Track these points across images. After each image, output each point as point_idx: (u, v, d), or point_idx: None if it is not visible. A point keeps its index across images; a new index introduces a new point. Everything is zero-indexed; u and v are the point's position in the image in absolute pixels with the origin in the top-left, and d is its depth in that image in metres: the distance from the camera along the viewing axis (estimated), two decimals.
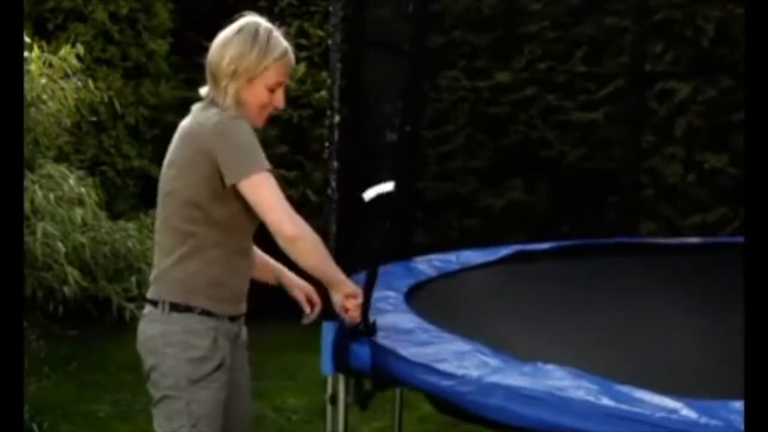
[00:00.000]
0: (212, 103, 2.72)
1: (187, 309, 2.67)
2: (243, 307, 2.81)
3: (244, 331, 2.87)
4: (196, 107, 2.77)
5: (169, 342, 2.67)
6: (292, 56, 2.76)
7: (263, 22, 2.74)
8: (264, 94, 2.72)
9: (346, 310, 2.74)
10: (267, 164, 2.65)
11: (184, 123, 2.76)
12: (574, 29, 6.71)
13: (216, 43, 2.73)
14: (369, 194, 2.86)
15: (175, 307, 2.68)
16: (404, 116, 3.34)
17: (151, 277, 2.80)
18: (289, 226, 2.62)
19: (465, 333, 2.83)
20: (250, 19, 2.74)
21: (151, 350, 2.70)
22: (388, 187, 2.87)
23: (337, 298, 2.75)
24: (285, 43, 2.74)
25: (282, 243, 2.62)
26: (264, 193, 2.63)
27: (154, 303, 2.72)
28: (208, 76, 2.73)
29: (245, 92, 2.69)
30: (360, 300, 2.74)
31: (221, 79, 2.68)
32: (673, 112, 6.49)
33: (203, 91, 2.78)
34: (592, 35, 6.67)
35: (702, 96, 6.44)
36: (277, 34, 2.74)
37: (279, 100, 2.76)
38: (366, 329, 2.79)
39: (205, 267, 2.68)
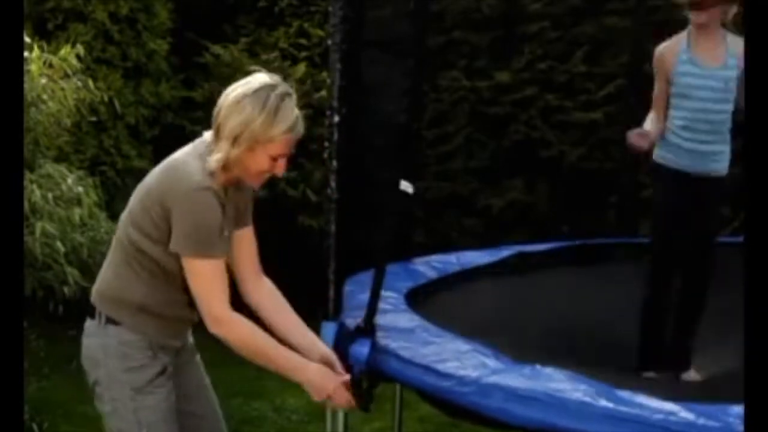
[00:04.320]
0: (210, 152, 2.63)
1: (119, 323, 2.69)
2: (176, 342, 2.79)
3: (189, 339, 2.87)
4: (200, 146, 2.67)
5: (108, 354, 2.69)
6: (300, 128, 2.65)
7: (279, 88, 2.62)
8: (265, 162, 2.64)
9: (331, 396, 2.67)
10: (216, 251, 2.60)
11: (179, 156, 2.67)
12: (574, 29, 6.70)
13: (227, 97, 2.62)
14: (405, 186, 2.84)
15: (110, 320, 2.70)
16: (410, 114, 3.35)
17: (98, 278, 2.81)
18: (218, 311, 2.60)
19: (464, 333, 2.84)
20: (266, 81, 2.63)
21: (94, 364, 2.72)
22: (407, 187, 2.87)
23: (311, 389, 2.67)
24: (294, 115, 2.63)
25: (210, 328, 2.61)
26: (200, 280, 2.61)
27: (93, 310, 2.73)
28: (213, 127, 2.65)
29: (245, 157, 2.61)
30: (337, 375, 2.69)
31: (221, 139, 2.61)
32: None
33: (207, 135, 2.70)
34: (592, 35, 6.66)
35: None
36: (289, 103, 2.62)
37: (280, 168, 2.68)
38: (369, 328, 2.80)
39: (135, 291, 2.68)
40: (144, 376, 2.68)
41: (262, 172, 2.67)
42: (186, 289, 2.69)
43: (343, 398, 2.67)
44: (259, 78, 2.65)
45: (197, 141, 2.71)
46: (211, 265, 2.60)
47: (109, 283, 2.73)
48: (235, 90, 2.63)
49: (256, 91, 2.60)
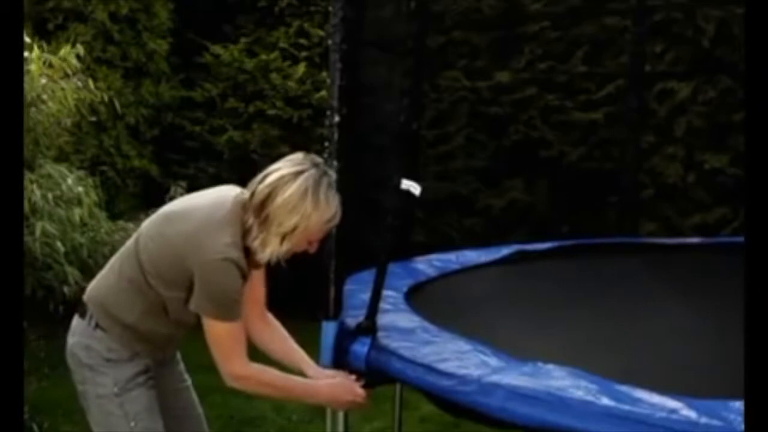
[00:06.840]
0: (242, 223, 2.61)
1: (107, 331, 2.73)
2: (160, 356, 2.83)
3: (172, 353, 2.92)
4: (234, 215, 2.62)
5: (92, 355, 2.73)
6: (339, 213, 2.66)
7: (324, 178, 2.61)
8: (304, 245, 2.67)
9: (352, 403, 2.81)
10: (237, 315, 2.63)
11: (213, 221, 2.61)
12: (574, 29, 6.71)
13: (284, 190, 2.57)
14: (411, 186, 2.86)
15: (99, 326, 2.73)
16: (409, 114, 3.34)
17: (97, 276, 2.83)
18: (238, 371, 2.67)
19: (465, 333, 2.83)
20: (315, 172, 2.59)
21: (78, 362, 2.75)
22: (413, 187, 2.87)
23: (331, 404, 2.86)
24: (337, 203, 2.63)
25: (229, 383, 2.68)
26: (220, 340, 2.64)
27: (84, 310, 2.76)
28: (257, 210, 2.59)
29: (291, 245, 2.63)
30: (346, 381, 2.80)
31: (270, 233, 2.59)
32: (673, 112, 6.48)
33: (236, 192, 2.67)
34: (592, 35, 6.66)
35: (702, 96, 6.44)
36: (333, 191, 2.62)
37: (313, 248, 2.70)
38: (370, 327, 2.81)
39: (129, 315, 2.70)
40: (127, 372, 2.72)
41: (294, 253, 2.68)
42: (179, 326, 2.76)
43: (362, 398, 2.79)
44: (309, 169, 2.60)
45: (233, 202, 2.64)
46: (231, 327, 2.63)
47: (106, 295, 2.75)
48: (287, 182, 2.58)
49: (315, 188, 2.57)
